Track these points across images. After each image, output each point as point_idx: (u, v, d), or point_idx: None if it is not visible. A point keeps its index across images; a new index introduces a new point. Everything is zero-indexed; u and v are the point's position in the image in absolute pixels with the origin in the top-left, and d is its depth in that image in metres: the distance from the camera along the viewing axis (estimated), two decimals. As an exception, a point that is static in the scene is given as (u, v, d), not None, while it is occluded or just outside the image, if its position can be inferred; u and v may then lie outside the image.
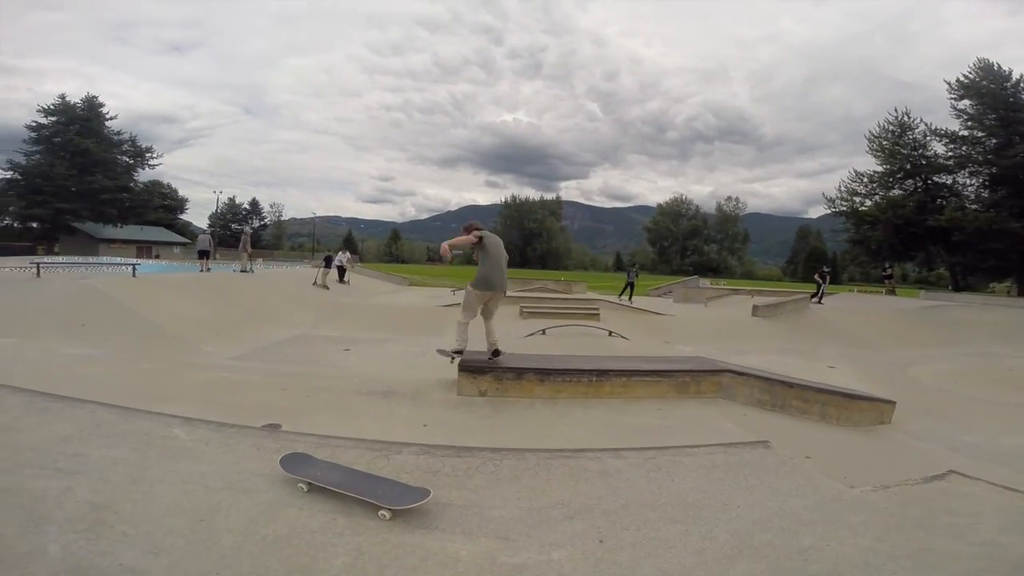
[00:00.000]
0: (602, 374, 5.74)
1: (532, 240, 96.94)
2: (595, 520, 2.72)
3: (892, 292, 26.64)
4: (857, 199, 35.21)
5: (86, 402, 3.80)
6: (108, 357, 7.17)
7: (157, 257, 34.90)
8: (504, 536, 2.57)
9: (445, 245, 5.66)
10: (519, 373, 5.60)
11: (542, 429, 4.79)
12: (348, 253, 24.74)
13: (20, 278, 12.62)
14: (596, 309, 14.71)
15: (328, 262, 20.26)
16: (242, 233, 20.52)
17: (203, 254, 17.64)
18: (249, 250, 19.21)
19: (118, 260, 21.22)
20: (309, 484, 2.75)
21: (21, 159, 44.08)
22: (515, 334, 11.82)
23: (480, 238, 5.68)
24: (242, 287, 14.11)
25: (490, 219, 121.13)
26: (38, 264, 13.33)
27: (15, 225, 45.68)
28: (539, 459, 3.42)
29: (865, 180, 34.74)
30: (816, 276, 20.55)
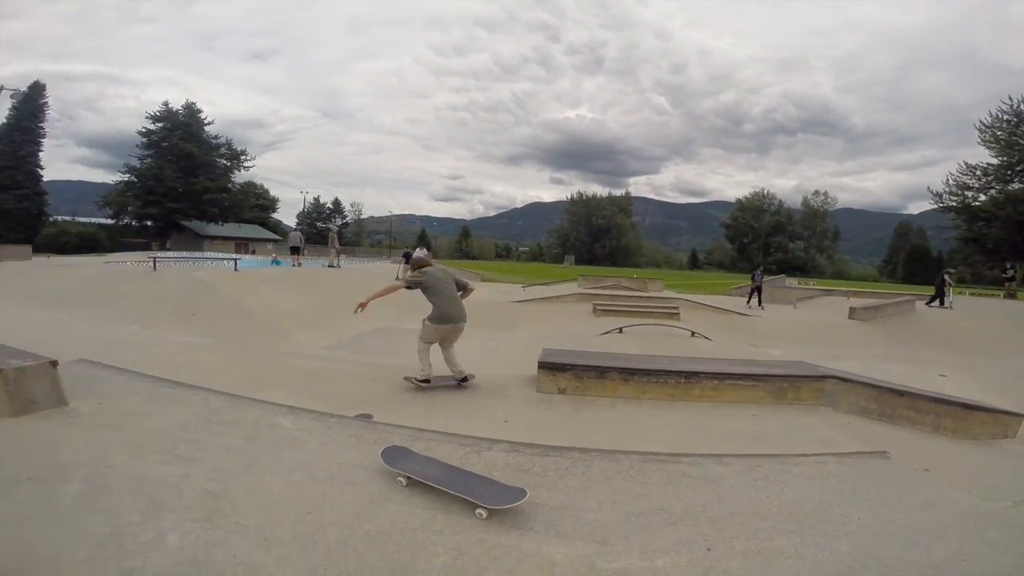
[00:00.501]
0: (691, 376, 5.47)
1: (600, 237, 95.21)
2: (701, 527, 2.61)
3: (1012, 295, 23.55)
4: (969, 194, 31.76)
5: (199, 388, 4.09)
6: (214, 344, 7.81)
7: (253, 252, 37.84)
8: (601, 540, 2.49)
9: (366, 301, 5.59)
10: (601, 372, 5.46)
11: (627, 430, 4.64)
12: (425, 249, 25.51)
13: (139, 271, 14.10)
14: (676, 308, 14.15)
15: (408, 258, 20.98)
16: (329, 231, 21.74)
17: (295, 250, 18.88)
18: (337, 246, 20.31)
19: (222, 255, 23.19)
20: (408, 478, 2.79)
21: (136, 163, 49.42)
22: (589, 332, 11.64)
23: (415, 282, 5.54)
24: (330, 281, 14.92)
25: (555, 216, 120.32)
26: (154, 259, 14.85)
27: (133, 223, 51.19)
28: (632, 462, 3.30)
29: (978, 173, 31.30)
30: (943, 276, 18.51)
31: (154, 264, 14.09)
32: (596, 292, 17.43)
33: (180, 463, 2.89)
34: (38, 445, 2.90)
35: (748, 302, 18.12)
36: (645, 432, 4.57)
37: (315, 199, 77.73)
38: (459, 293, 5.71)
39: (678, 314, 13.53)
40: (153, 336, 8.19)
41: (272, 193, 73.96)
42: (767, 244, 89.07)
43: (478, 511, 2.56)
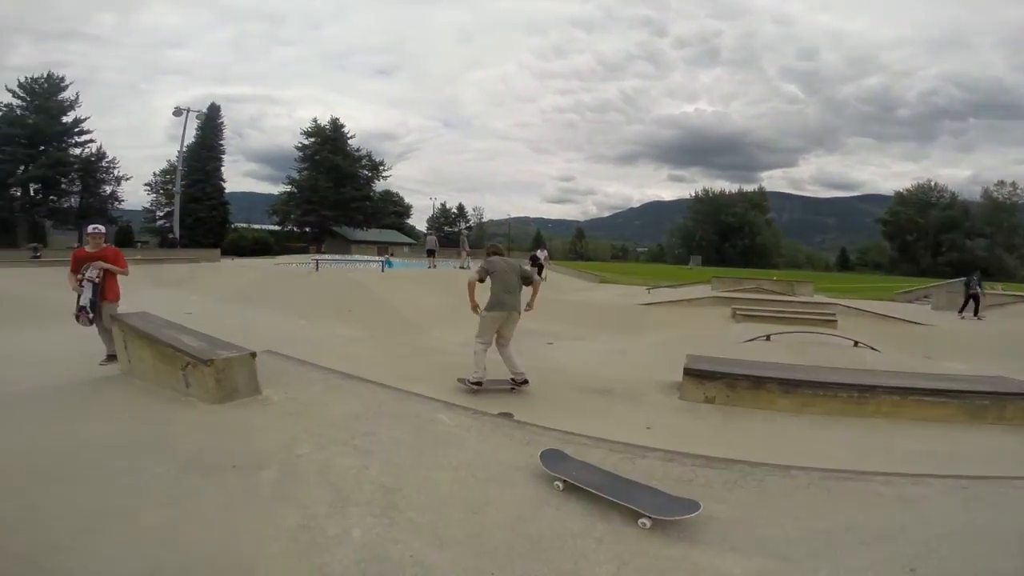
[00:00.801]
0: (866, 390, 4.80)
1: (730, 236, 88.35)
2: (900, 547, 2.31)
3: None
4: None
5: (367, 381, 4.44)
6: (369, 339, 8.62)
7: (391, 255, 41.49)
8: (784, 557, 2.28)
9: (473, 304, 5.83)
10: (757, 382, 5.01)
11: (791, 446, 4.18)
12: (545, 251, 25.87)
13: (304, 272, 16.10)
14: (832, 315, 12.60)
15: (534, 261, 21.40)
16: (460, 235, 23.03)
17: (430, 253, 20.30)
18: (468, 249, 21.46)
19: (368, 258, 25.66)
20: (564, 482, 2.76)
21: (295, 175, 56.60)
22: (728, 338, 10.81)
23: (483, 272, 5.74)
24: (463, 281, 15.72)
25: (676, 215, 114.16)
26: (316, 261, 16.88)
27: (295, 229, 58.72)
28: (811, 478, 2.97)
29: None
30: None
31: (316, 266, 16.02)
32: (734, 295, 16.15)
33: (358, 455, 3.09)
34: (239, 432, 3.30)
35: (961, 312, 15.65)
36: (814, 449, 4.08)
37: (442, 205, 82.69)
38: (524, 286, 5.82)
39: (835, 321, 12.01)
40: (319, 330, 9.26)
41: (407, 200, 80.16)
42: (937, 242, 75.79)
43: (641, 521, 2.44)
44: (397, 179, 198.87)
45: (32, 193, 39.38)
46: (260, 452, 3.03)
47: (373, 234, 61.68)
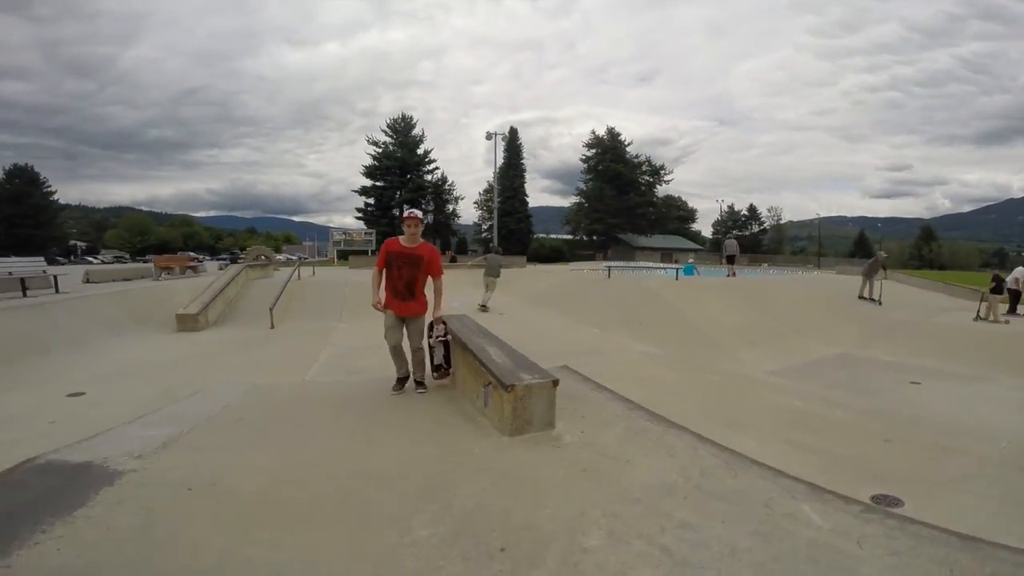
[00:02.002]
0: None
1: None
2: None
3: None
4: None
5: (682, 430, 3.22)
6: (664, 356, 7.49)
7: (676, 262, 39.58)
8: None
9: None
10: None
11: None
12: (882, 254, 19.61)
13: (596, 279, 16.08)
14: None
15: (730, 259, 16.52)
16: (725, 237, 19.91)
17: (730, 259, 18.00)
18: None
19: (663, 265, 24.66)
20: None
21: (582, 186, 59.62)
22: None
23: None
24: (772, 292, 13.15)
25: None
26: (609, 268, 16.74)
27: (583, 238, 62.14)
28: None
29: None
30: None
31: (608, 273, 15.83)
32: None
33: (669, 566, 1.94)
34: (523, 487, 2.53)
35: None
36: None
37: (729, 207, 75.23)
38: None
39: None
40: (610, 342, 8.62)
41: (689, 204, 76.11)
42: None
43: None
44: (678, 183, 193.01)
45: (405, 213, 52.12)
46: (538, 531, 2.16)
47: (657, 240, 60.48)
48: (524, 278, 19.13)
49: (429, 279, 4.42)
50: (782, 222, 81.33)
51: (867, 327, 11.58)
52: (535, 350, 7.65)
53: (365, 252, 31.64)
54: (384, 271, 4.41)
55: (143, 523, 2.20)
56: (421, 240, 4.46)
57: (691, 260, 19.30)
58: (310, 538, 2.10)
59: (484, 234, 54.39)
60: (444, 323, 4.57)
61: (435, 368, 4.62)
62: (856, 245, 74.05)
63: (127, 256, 57.63)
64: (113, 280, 16.38)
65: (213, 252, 65.57)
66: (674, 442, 3.02)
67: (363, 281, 15.12)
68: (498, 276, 13.36)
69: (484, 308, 12.54)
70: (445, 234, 53.67)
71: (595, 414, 3.46)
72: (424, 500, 2.41)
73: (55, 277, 11.53)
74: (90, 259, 51.92)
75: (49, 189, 58.75)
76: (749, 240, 66.67)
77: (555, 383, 3.13)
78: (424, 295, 4.43)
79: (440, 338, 4.56)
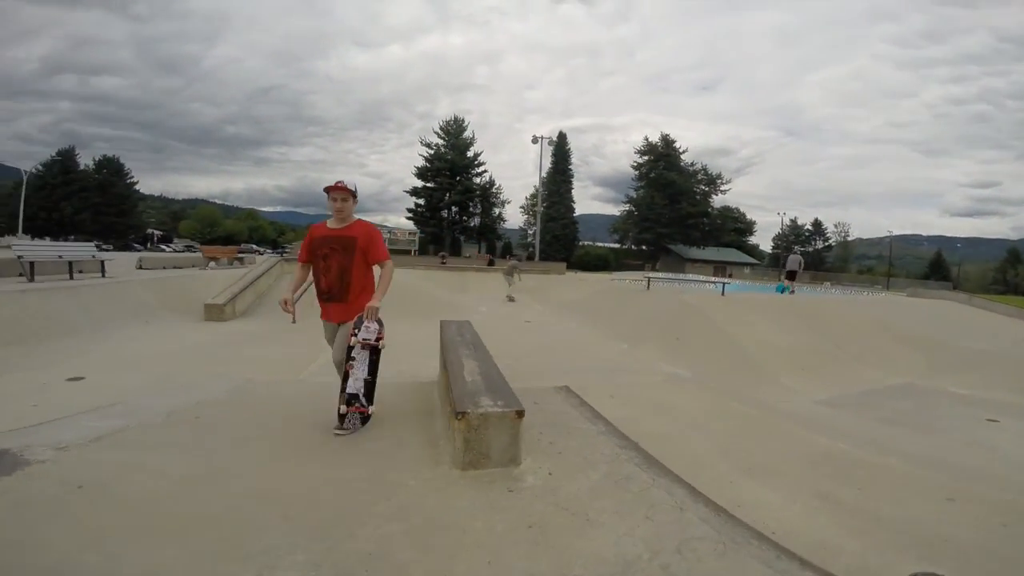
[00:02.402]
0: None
1: None
2: None
3: None
4: None
5: (679, 484, 2.56)
6: (695, 381, 6.73)
7: (730, 276, 37.59)
8: None
9: None
10: None
11: None
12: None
13: (635, 289, 15.25)
14: None
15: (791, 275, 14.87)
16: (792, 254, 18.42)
17: (791, 275, 16.77)
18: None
19: (704, 279, 23.36)
20: None
21: (632, 194, 58.01)
22: None
23: None
24: (830, 313, 11.92)
25: None
26: (648, 279, 15.86)
27: (632, 247, 60.46)
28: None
29: None
30: None
31: (648, 284, 14.96)
32: None
33: None
34: (442, 538, 2.03)
35: None
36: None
37: (792, 220, 71.20)
38: None
39: None
40: (636, 359, 7.92)
41: (748, 216, 72.73)
42: None
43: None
44: (737, 195, 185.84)
45: (453, 214, 52.55)
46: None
47: (710, 252, 58.03)
48: (559, 286, 18.52)
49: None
50: (849, 239, 76.33)
51: (937, 355, 10.24)
52: (547, 364, 7.15)
53: (408, 252, 31.94)
54: (309, 265, 3.47)
55: (4, 517, 2.12)
56: (355, 218, 3.43)
57: (783, 280, 18.10)
58: (157, 557, 1.89)
59: (529, 239, 54.01)
60: (378, 322, 3.24)
61: (347, 400, 3.16)
62: (932, 266, 68.23)
63: (196, 245, 61.39)
64: (164, 268, 17.09)
65: (275, 246, 68.63)
66: (659, 498, 2.39)
67: (393, 281, 15.03)
68: (511, 275, 17.32)
69: (511, 299, 16.33)
70: (491, 237, 53.65)
71: (576, 451, 2.88)
72: (315, 535, 2.00)
73: (102, 262, 12.00)
74: (163, 247, 55.53)
75: (132, 180, 63.27)
76: (812, 256, 62.98)
77: (520, 413, 2.58)
78: (367, 293, 3.34)
79: (365, 342, 3.19)
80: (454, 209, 51.44)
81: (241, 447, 3.01)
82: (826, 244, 72.00)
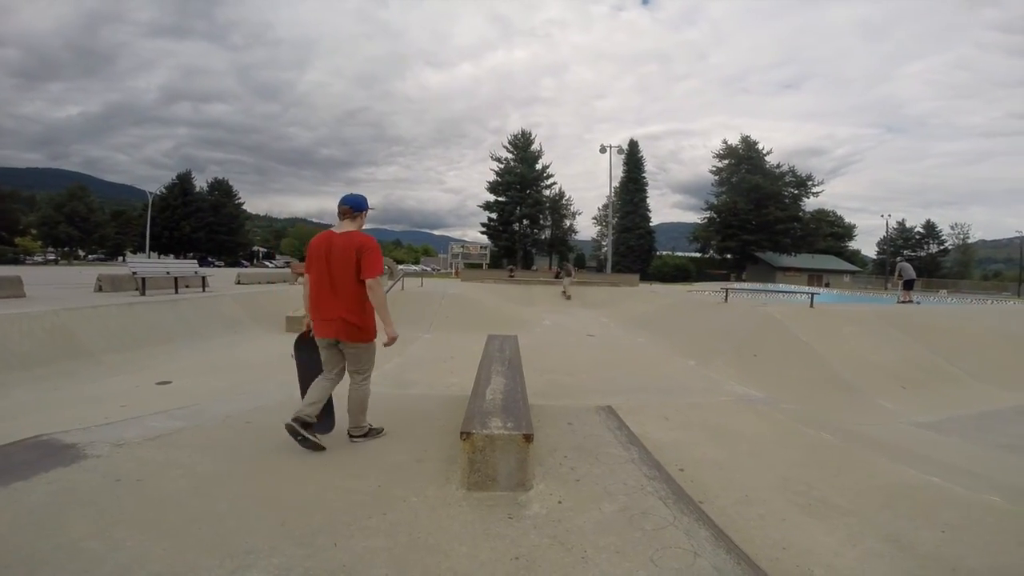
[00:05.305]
0: None
1: None
2: None
3: None
4: None
5: (701, 519, 2.31)
6: (768, 403, 6.13)
7: (827, 286, 34.46)
8: None
9: None
10: None
11: None
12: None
13: (712, 302, 14.36)
14: None
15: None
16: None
17: (909, 284, 15.19)
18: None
19: (794, 288, 21.57)
20: None
21: (713, 200, 55.06)
22: None
23: None
24: (944, 325, 10.49)
25: None
26: (727, 290, 14.86)
27: (713, 256, 57.39)
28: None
29: None
30: None
31: (726, 295, 14.04)
32: None
33: None
34: (421, 560, 1.96)
35: None
36: None
37: (899, 223, 64.03)
38: None
39: None
40: (705, 378, 7.38)
41: (846, 220, 66.53)
42: None
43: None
44: (833, 197, 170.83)
45: (524, 227, 53.04)
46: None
47: (803, 260, 53.69)
48: (630, 299, 17.91)
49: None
50: (970, 241, 67.40)
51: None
52: (603, 382, 6.86)
53: (480, 265, 32.51)
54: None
55: (41, 503, 2.34)
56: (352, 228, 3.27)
57: (899, 292, 16.67)
58: (151, 547, 2.01)
59: (604, 250, 53.11)
60: (308, 327, 3.35)
61: (296, 427, 3.03)
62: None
63: (295, 261, 66.84)
64: (259, 283, 18.63)
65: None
66: (674, 539, 2.12)
67: (458, 293, 15.32)
68: (564, 279, 21.04)
69: (566, 296, 19.52)
70: (562, 249, 53.36)
71: (596, 479, 2.67)
72: (300, 541, 2.05)
73: (204, 278, 13.29)
74: (266, 263, 60.88)
75: (239, 200, 70.19)
76: (925, 261, 56.38)
77: (528, 437, 2.44)
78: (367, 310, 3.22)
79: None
80: (525, 222, 51.87)
81: (272, 452, 3.14)
82: (941, 248, 64.02)
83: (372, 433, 3.40)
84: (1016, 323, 11.71)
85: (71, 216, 55.99)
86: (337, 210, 3.27)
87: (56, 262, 52.66)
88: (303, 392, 3.37)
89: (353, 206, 3.24)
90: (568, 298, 19.30)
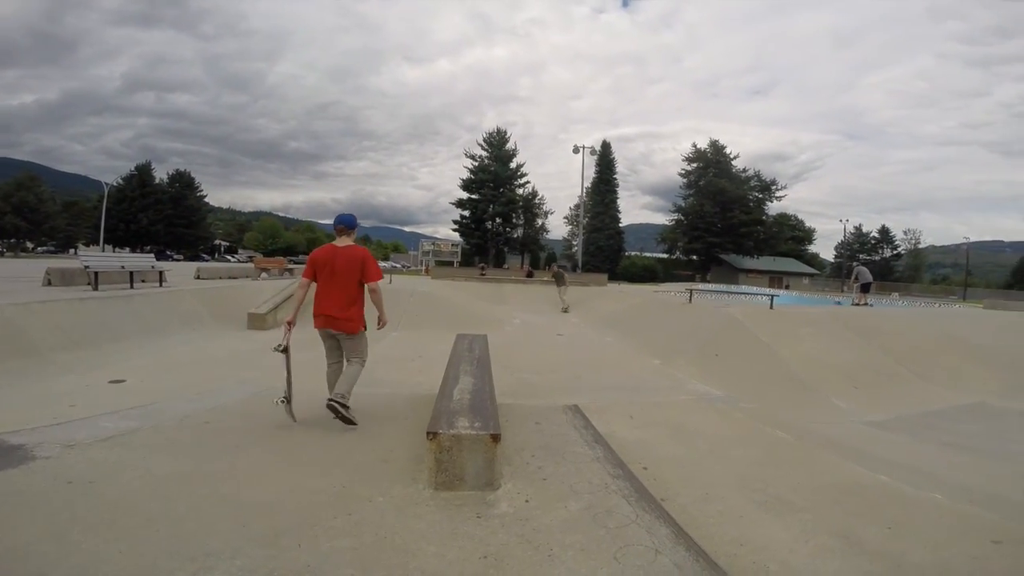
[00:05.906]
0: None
1: None
2: None
3: None
4: None
5: (661, 518, 2.37)
6: (727, 402, 6.34)
7: (787, 287, 35.71)
8: None
9: None
10: None
11: None
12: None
13: (677, 302, 14.70)
14: None
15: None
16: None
17: (866, 287, 15.89)
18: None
19: (755, 290, 22.27)
20: None
21: (681, 203, 56.35)
22: None
23: None
24: (894, 327, 11.02)
25: None
26: (691, 291, 15.26)
27: (680, 257, 58.63)
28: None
29: None
30: None
31: (690, 296, 14.40)
32: None
33: None
34: (385, 559, 1.97)
35: None
36: None
37: (856, 228, 66.95)
38: None
39: None
40: (667, 377, 7.57)
41: (807, 224, 69.08)
42: None
43: None
44: (795, 201, 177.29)
45: (496, 226, 52.99)
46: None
47: (765, 262, 55.47)
48: (598, 299, 18.14)
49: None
50: (920, 246, 70.97)
51: (1018, 373, 9.22)
52: (570, 381, 6.94)
53: (451, 263, 32.36)
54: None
55: None
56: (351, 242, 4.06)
57: (855, 295, 17.28)
58: (107, 549, 1.96)
59: (574, 249, 53.58)
60: (289, 324, 3.89)
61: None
62: (1015, 274, 62.41)
63: (259, 255, 64.92)
64: (220, 278, 18.04)
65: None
66: (636, 537, 2.18)
67: (428, 291, 15.21)
68: (559, 286, 17.72)
69: (565, 310, 16.62)
70: (533, 249, 53.57)
71: (562, 478, 2.71)
72: (262, 543, 2.02)
73: (161, 272, 12.80)
74: (228, 257, 58.90)
75: (201, 193, 67.71)
76: (879, 265, 59.02)
77: (495, 437, 2.47)
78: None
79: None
80: (497, 220, 51.84)
81: (232, 452, 3.07)
82: (895, 252, 67.26)
83: (347, 415, 3.68)
84: (961, 326, 12.42)
85: (19, 206, 52.94)
86: (334, 228, 4.03)
87: (1, 254, 49.77)
88: (289, 384, 3.89)
89: (347, 224, 4.02)
90: (566, 311, 16.62)
